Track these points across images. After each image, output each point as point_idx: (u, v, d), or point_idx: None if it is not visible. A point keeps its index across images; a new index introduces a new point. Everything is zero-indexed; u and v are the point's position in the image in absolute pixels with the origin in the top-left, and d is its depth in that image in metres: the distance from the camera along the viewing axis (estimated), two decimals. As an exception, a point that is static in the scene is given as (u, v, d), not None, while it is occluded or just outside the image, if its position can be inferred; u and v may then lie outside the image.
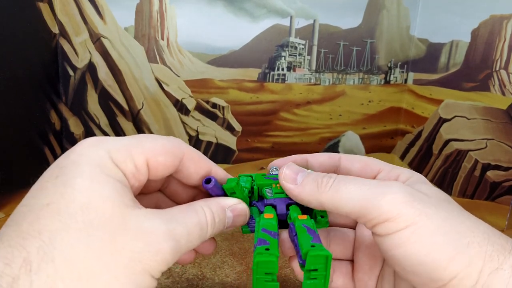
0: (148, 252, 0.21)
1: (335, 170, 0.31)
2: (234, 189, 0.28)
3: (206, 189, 0.28)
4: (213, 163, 0.29)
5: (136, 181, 0.24)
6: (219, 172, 0.29)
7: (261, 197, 0.30)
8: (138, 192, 0.26)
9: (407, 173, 0.29)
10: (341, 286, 0.33)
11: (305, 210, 0.29)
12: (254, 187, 0.30)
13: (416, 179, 0.28)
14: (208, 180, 0.28)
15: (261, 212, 0.29)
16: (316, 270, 0.24)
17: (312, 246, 0.24)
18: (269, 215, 0.28)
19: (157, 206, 0.30)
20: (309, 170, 0.28)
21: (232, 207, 0.27)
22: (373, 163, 0.30)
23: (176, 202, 0.31)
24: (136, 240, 0.21)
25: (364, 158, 0.31)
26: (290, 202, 0.29)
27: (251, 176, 0.30)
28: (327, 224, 0.30)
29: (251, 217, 0.30)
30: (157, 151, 0.25)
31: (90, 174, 0.22)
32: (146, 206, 0.30)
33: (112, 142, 0.24)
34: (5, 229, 0.20)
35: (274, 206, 0.29)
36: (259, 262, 0.23)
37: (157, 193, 0.31)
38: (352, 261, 0.33)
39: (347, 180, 0.25)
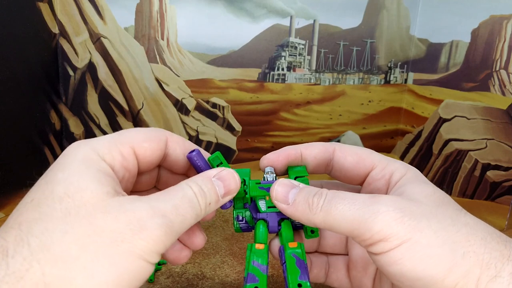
0: (130, 230, 0.21)
1: (328, 163, 0.31)
2: (220, 159, 0.28)
3: (191, 159, 0.28)
4: (197, 146, 0.29)
5: (126, 170, 0.25)
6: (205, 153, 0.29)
7: (254, 203, 0.30)
8: (132, 184, 0.27)
9: (401, 169, 0.28)
10: (335, 280, 0.33)
11: (297, 225, 0.30)
12: (247, 190, 0.29)
13: (411, 177, 0.28)
14: (192, 152, 0.28)
15: (254, 218, 0.30)
16: None
17: (299, 285, 0.25)
18: (260, 246, 0.28)
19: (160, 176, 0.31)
20: (301, 185, 0.28)
21: (218, 175, 0.27)
22: (367, 157, 0.30)
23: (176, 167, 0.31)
24: (117, 221, 0.21)
25: (359, 151, 0.30)
26: (283, 217, 0.30)
27: (244, 180, 0.29)
28: (318, 235, 0.30)
29: (243, 218, 0.30)
30: (140, 138, 0.26)
31: (71, 168, 0.22)
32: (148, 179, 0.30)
33: (97, 139, 0.25)
34: None
35: (266, 221, 0.29)
36: None
37: (153, 190, 0.31)
38: (347, 255, 0.33)
39: (338, 200, 0.25)
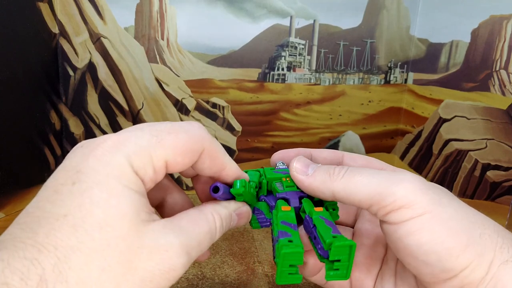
0: (159, 270, 0.21)
1: (338, 164, 0.31)
2: (242, 194, 0.28)
3: (213, 196, 0.27)
4: (228, 158, 0.28)
5: (153, 183, 0.24)
6: (232, 170, 0.28)
7: (270, 192, 0.30)
8: (152, 188, 0.25)
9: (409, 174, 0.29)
10: (337, 283, 0.33)
11: (317, 203, 0.29)
12: (263, 181, 0.29)
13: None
14: (215, 189, 0.27)
15: (271, 206, 0.29)
16: (339, 260, 0.24)
17: (334, 237, 0.24)
18: (286, 208, 0.27)
19: (165, 194, 0.30)
20: (319, 164, 0.28)
21: (238, 210, 0.28)
22: (376, 162, 0.30)
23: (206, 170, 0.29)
24: (150, 259, 0.21)
25: (367, 157, 0.31)
26: (302, 195, 0.29)
27: (258, 171, 0.30)
28: (337, 217, 0.30)
29: (261, 212, 0.29)
30: (177, 151, 0.23)
31: (108, 186, 0.21)
32: (153, 195, 0.29)
33: (134, 144, 0.22)
34: (19, 232, 0.20)
35: (286, 200, 0.29)
36: (285, 254, 0.23)
37: (165, 178, 0.30)
38: None
39: (360, 170, 0.25)
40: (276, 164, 0.30)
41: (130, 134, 0.23)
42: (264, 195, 0.30)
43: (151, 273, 0.21)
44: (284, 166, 0.30)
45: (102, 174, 0.21)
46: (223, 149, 0.27)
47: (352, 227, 0.33)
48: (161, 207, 0.31)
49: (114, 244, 0.20)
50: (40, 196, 0.21)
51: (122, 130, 0.24)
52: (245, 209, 0.28)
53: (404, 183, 0.24)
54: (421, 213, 0.23)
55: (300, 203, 0.28)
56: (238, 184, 0.28)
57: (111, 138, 0.22)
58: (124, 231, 0.20)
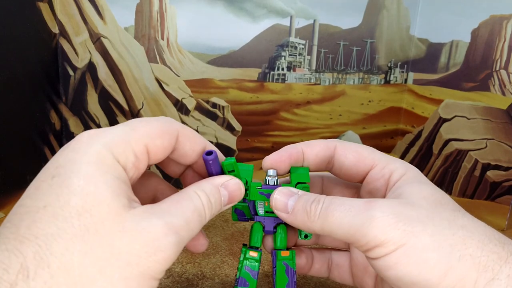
0: (146, 253, 0.21)
1: (330, 160, 0.31)
2: (233, 167, 0.28)
3: (206, 161, 0.27)
4: (207, 140, 0.29)
5: (136, 169, 0.24)
6: (213, 149, 0.29)
7: (252, 202, 0.30)
8: (137, 179, 0.26)
9: (401, 169, 0.28)
10: (337, 276, 0.33)
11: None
12: (248, 192, 0.30)
13: (410, 177, 0.28)
14: (209, 152, 0.27)
15: (252, 214, 0.31)
16: None
17: None
18: (253, 253, 0.29)
19: (155, 191, 0.31)
20: (299, 192, 0.28)
21: (225, 184, 0.27)
22: (368, 155, 0.30)
23: (185, 158, 0.30)
24: (133, 242, 0.21)
25: (359, 149, 0.30)
26: (279, 222, 0.30)
27: (249, 169, 0.30)
28: (311, 238, 0.31)
29: (241, 212, 0.31)
30: (153, 134, 0.24)
31: (86, 173, 0.21)
32: (144, 193, 0.30)
33: (110, 133, 0.23)
34: (3, 230, 0.20)
35: (262, 224, 0.31)
36: None
37: (153, 177, 0.31)
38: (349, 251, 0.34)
39: (334, 207, 0.25)
40: (266, 174, 0.30)
41: (104, 128, 0.24)
42: (247, 200, 0.30)
43: (136, 256, 0.20)
44: (273, 180, 0.30)
45: (79, 163, 0.21)
46: (198, 133, 0.28)
47: None
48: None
49: (94, 229, 0.20)
50: (23, 195, 0.22)
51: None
52: (234, 181, 0.27)
53: (374, 221, 0.23)
54: (395, 248, 0.23)
55: (275, 228, 0.31)
56: (228, 159, 0.28)
57: (88, 132, 0.23)
58: (103, 216, 0.20)
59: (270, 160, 0.30)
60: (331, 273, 0.33)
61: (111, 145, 0.22)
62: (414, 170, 0.28)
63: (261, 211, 0.30)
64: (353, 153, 0.30)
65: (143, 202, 0.24)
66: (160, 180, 0.31)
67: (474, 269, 0.22)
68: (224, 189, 0.27)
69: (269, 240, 0.31)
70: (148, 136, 0.24)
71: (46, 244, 0.19)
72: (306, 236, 0.30)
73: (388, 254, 0.23)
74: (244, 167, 0.30)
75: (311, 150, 0.31)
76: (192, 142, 0.27)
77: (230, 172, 0.28)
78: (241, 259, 0.29)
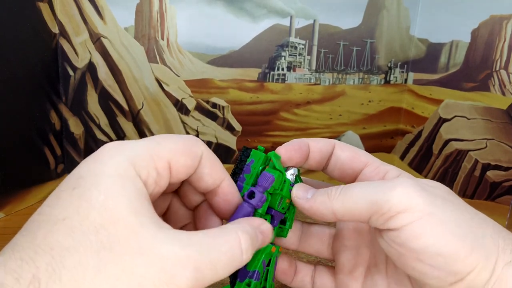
0: (159, 279, 0.19)
1: (329, 157, 0.31)
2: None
3: (247, 203, 0.26)
4: (227, 172, 0.27)
5: (157, 186, 0.23)
6: (231, 185, 0.27)
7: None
8: (158, 196, 0.25)
9: (395, 171, 0.29)
10: (320, 285, 0.32)
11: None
12: (284, 188, 0.29)
13: (408, 177, 0.28)
14: (251, 194, 0.26)
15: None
16: None
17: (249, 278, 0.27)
18: (274, 249, 0.29)
19: (169, 208, 0.29)
20: (316, 190, 0.28)
21: (261, 228, 0.26)
22: (362, 154, 0.31)
23: (186, 206, 0.29)
24: (149, 265, 0.20)
25: (355, 149, 0.31)
26: (282, 220, 0.30)
27: (282, 173, 0.29)
28: (285, 236, 0.31)
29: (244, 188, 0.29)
30: (178, 152, 0.23)
31: (107, 188, 0.20)
32: (159, 207, 0.28)
33: (134, 147, 0.22)
34: (19, 238, 0.20)
35: (272, 218, 0.29)
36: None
37: (170, 194, 0.29)
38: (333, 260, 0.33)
39: (354, 185, 0.26)
40: (290, 172, 0.30)
41: (129, 141, 0.23)
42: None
43: (150, 280, 0.19)
44: (293, 177, 0.30)
45: (101, 176, 0.21)
46: (219, 160, 0.27)
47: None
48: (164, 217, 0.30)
49: (109, 247, 0.19)
50: (44, 203, 0.21)
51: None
52: (266, 226, 0.26)
53: (397, 188, 0.24)
54: (420, 216, 0.23)
55: (276, 224, 0.30)
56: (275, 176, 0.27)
57: (112, 143, 0.22)
58: (120, 235, 0.20)
59: (284, 149, 0.30)
60: (314, 284, 0.32)
61: (134, 159, 0.22)
62: (406, 174, 0.29)
63: (279, 206, 0.30)
64: (349, 151, 0.31)
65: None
66: (174, 197, 0.30)
67: (495, 250, 0.22)
68: (260, 234, 0.25)
69: None
70: (173, 153, 0.23)
71: (60, 256, 0.19)
72: (281, 231, 0.30)
73: (414, 222, 0.23)
74: (257, 153, 0.29)
75: (316, 144, 0.31)
76: (212, 168, 0.26)
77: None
78: (263, 249, 0.28)
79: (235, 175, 0.29)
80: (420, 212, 0.23)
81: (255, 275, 0.27)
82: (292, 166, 0.30)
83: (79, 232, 0.19)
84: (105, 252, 0.19)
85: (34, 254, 0.19)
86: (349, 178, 0.31)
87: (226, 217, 0.28)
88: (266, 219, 0.29)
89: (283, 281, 0.32)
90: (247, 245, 0.23)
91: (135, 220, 0.20)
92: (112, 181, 0.21)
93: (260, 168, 0.29)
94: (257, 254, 0.28)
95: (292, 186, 0.29)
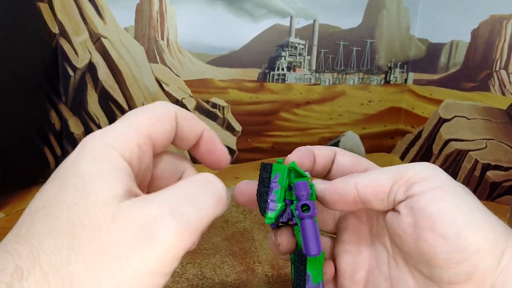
0: (138, 241, 0.18)
1: (332, 162, 0.32)
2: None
3: (307, 218, 0.26)
4: (204, 123, 0.27)
5: (142, 161, 0.23)
6: (211, 134, 0.27)
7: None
8: (150, 173, 0.25)
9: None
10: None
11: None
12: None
13: None
14: (305, 207, 0.26)
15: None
16: None
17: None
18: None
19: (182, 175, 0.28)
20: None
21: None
22: (362, 160, 0.31)
23: (184, 142, 0.28)
24: (122, 231, 0.19)
25: (355, 155, 0.32)
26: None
27: (307, 177, 0.29)
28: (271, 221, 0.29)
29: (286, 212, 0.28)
30: (155, 122, 0.23)
31: (84, 171, 0.20)
32: (170, 177, 0.27)
33: (114, 130, 0.22)
34: (8, 235, 0.20)
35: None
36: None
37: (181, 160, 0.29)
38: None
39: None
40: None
41: (106, 128, 0.23)
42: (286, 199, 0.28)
43: (126, 247, 0.18)
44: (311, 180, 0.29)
45: (78, 163, 0.21)
46: (194, 114, 0.27)
47: (334, 233, 0.33)
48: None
49: (80, 223, 0.19)
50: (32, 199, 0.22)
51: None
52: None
53: (419, 164, 0.26)
54: (441, 185, 0.24)
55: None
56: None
57: (91, 134, 0.22)
58: (91, 210, 0.19)
59: (297, 156, 0.30)
60: None
61: (114, 142, 0.22)
62: None
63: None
64: (350, 156, 0.32)
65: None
66: (188, 163, 0.29)
67: (505, 237, 0.23)
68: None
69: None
70: (148, 124, 0.23)
71: (39, 242, 0.19)
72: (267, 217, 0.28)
73: (434, 188, 0.24)
74: (279, 168, 0.28)
75: (320, 151, 0.31)
76: (190, 124, 0.26)
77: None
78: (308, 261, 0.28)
79: (263, 195, 0.27)
80: (441, 182, 0.24)
81: (321, 286, 0.27)
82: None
83: (54, 216, 0.19)
84: (76, 230, 0.19)
85: (17, 245, 0.19)
86: None
87: (214, 167, 0.28)
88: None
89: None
90: (213, 176, 0.22)
91: (107, 194, 0.20)
92: (87, 165, 0.21)
93: (287, 180, 0.28)
94: (317, 266, 0.28)
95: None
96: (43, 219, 0.20)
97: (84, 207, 0.19)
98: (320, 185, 0.28)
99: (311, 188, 0.28)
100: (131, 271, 0.18)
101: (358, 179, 0.27)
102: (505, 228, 0.24)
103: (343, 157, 0.31)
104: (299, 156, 0.30)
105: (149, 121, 0.23)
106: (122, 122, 0.23)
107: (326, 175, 0.32)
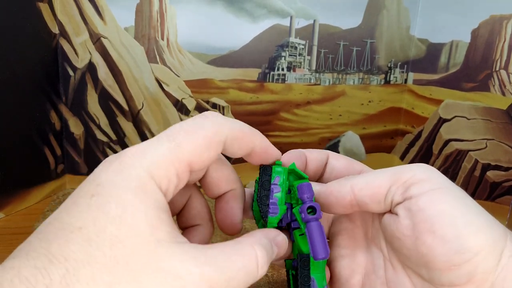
0: None
1: (323, 167, 0.31)
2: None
3: (313, 220, 0.25)
4: (256, 133, 0.26)
5: (177, 189, 0.23)
6: (263, 144, 0.26)
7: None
8: (181, 200, 0.25)
9: None
10: None
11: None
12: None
13: None
14: (312, 209, 0.25)
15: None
16: None
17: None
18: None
19: (190, 201, 0.28)
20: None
21: (275, 240, 0.25)
22: (356, 163, 0.31)
23: (210, 191, 0.28)
24: (163, 282, 0.19)
25: (348, 158, 0.31)
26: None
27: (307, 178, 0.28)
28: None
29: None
30: (200, 149, 0.22)
31: (125, 201, 0.20)
32: (179, 202, 0.27)
33: (153, 153, 0.21)
34: (34, 241, 0.20)
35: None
36: None
37: (191, 186, 0.29)
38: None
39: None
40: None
41: (148, 144, 0.22)
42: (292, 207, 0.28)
43: None
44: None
45: (120, 188, 0.20)
46: (247, 126, 0.25)
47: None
48: (180, 213, 0.29)
49: (124, 262, 0.19)
50: (61, 207, 0.21)
51: (141, 143, 0.23)
52: (282, 237, 0.25)
53: (416, 166, 0.25)
54: (439, 187, 0.24)
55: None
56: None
57: (131, 150, 0.22)
58: (136, 250, 0.19)
59: (288, 159, 0.29)
60: None
61: (153, 169, 0.21)
62: None
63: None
64: (344, 159, 0.31)
65: (174, 207, 0.23)
66: (193, 185, 0.29)
67: (504, 237, 0.23)
68: (275, 246, 0.25)
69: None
70: (194, 152, 0.22)
71: (74, 269, 0.18)
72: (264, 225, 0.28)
73: (433, 190, 0.24)
74: (280, 173, 0.28)
75: (311, 154, 0.31)
76: (241, 143, 0.25)
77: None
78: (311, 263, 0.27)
79: (264, 199, 0.27)
80: (439, 184, 0.24)
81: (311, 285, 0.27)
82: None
83: (94, 244, 0.19)
84: (119, 268, 0.19)
85: (48, 264, 0.18)
86: None
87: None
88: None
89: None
90: (263, 260, 0.22)
91: (152, 236, 0.20)
92: (130, 195, 0.20)
93: (287, 182, 0.27)
94: (320, 269, 0.27)
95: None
96: (80, 242, 0.19)
97: (130, 247, 0.19)
98: (314, 187, 0.27)
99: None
100: None
101: (354, 181, 0.26)
102: (502, 228, 0.24)
103: (337, 161, 0.31)
104: (290, 159, 0.29)
105: (194, 148, 0.22)
106: (167, 144, 0.22)
107: (319, 179, 0.32)
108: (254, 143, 0.26)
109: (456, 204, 0.24)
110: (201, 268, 0.20)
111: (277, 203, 0.27)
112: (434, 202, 0.24)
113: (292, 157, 0.30)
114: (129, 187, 0.20)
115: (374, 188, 0.26)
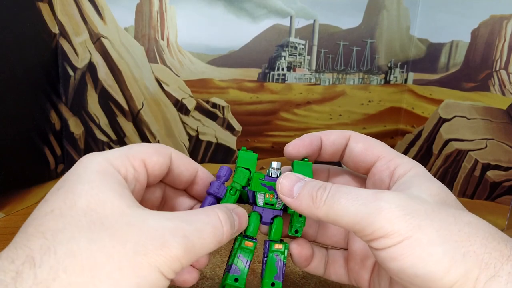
0: (152, 245, 0.21)
1: (344, 149, 0.32)
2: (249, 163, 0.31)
3: (212, 188, 0.30)
4: (199, 164, 0.31)
5: (137, 182, 0.26)
6: (205, 172, 0.31)
7: (252, 193, 0.31)
8: (141, 197, 0.27)
9: (407, 164, 0.29)
10: (333, 273, 0.33)
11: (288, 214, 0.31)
12: (250, 182, 0.31)
13: (417, 173, 0.28)
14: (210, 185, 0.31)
15: (251, 203, 0.31)
16: None
17: (273, 283, 0.29)
18: (249, 244, 0.30)
19: (164, 197, 0.32)
20: (306, 178, 0.28)
21: (235, 210, 0.28)
22: (376, 146, 0.31)
23: (178, 180, 0.32)
24: (140, 234, 0.21)
25: (371, 141, 0.31)
26: (276, 215, 0.31)
27: (249, 170, 0.31)
28: (300, 235, 0.31)
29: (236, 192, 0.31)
30: (149, 152, 0.27)
31: (90, 180, 0.23)
32: (153, 198, 0.31)
33: (110, 151, 0.25)
34: (14, 239, 0.21)
35: (260, 215, 0.31)
36: (226, 285, 0.29)
37: (160, 190, 0.32)
38: (347, 249, 0.34)
39: (341, 195, 0.25)
40: (270, 166, 0.31)
41: (105, 151, 0.26)
42: (247, 188, 0.31)
43: (143, 246, 0.21)
44: (276, 173, 0.30)
45: (83, 174, 0.23)
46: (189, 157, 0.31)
47: None
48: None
49: (100, 223, 0.21)
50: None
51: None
52: (240, 210, 0.29)
53: (382, 213, 0.23)
54: (401, 240, 0.23)
55: (272, 220, 0.31)
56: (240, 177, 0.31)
57: (88, 154, 0.25)
58: (109, 214, 0.21)
59: (292, 145, 0.32)
60: (327, 270, 0.33)
61: (112, 159, 0.25)
62: (421, 167, 0.29)
63: (260, 202, 0.30)
64: (363, 142, 0.31)
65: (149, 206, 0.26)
66: (168, 187, 0.32)
67: (477, 265, 0.22)
68: (235, 215, 0.27)
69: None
70: (145, 153, 0.27)
71: (53, 236, 0.20)
72: (296, 231, 0.30)
73: (394, 246, 0.23)
74: (249, 155, 0.31)
75: (328, 138, 0.32)
76: (185, 163, 0.30)
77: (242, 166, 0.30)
78: (235, 246, 0.30)
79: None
80: (400, 237, 0.23)
81: (230, 268, 0.29)
82: (303, 159, 0.32)
83: (68, 216, 0.21)
84: (95, 227, 0.21)
85: (27, 241, 0.20)
86: (363, 170, 0.32)
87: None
88: (251, 216, 0.30)
89: (300, 266, 0.33)
90: (225, 220, 0.25)
91: (121, 202, 0.22)
92: (94, 175, 0.23)
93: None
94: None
95: (265, 180, 0.30)
96: (55, 218, 0.21)
97: (102, 211, 0.21)
98: (285, 198, 0.28)
99: (252, 180, 0.30)
100: (146, 265, 0.21)
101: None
102: (481, 246, 0.23)
103: (356, 144, 0.31)
104: (296, 146, 0.32)
105: (144, 150, 0.27)
106: (120, 148, 0.27)
107: (341, 159, 0.33)
108: (198, 166, 0.31)
109: (419, 254, 0.22)
110: (172, 221, 0.22)
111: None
112: (395, 258, 0.23)
113: (299, 144, 0.32)
114: (91, 171, 0.23)
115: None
